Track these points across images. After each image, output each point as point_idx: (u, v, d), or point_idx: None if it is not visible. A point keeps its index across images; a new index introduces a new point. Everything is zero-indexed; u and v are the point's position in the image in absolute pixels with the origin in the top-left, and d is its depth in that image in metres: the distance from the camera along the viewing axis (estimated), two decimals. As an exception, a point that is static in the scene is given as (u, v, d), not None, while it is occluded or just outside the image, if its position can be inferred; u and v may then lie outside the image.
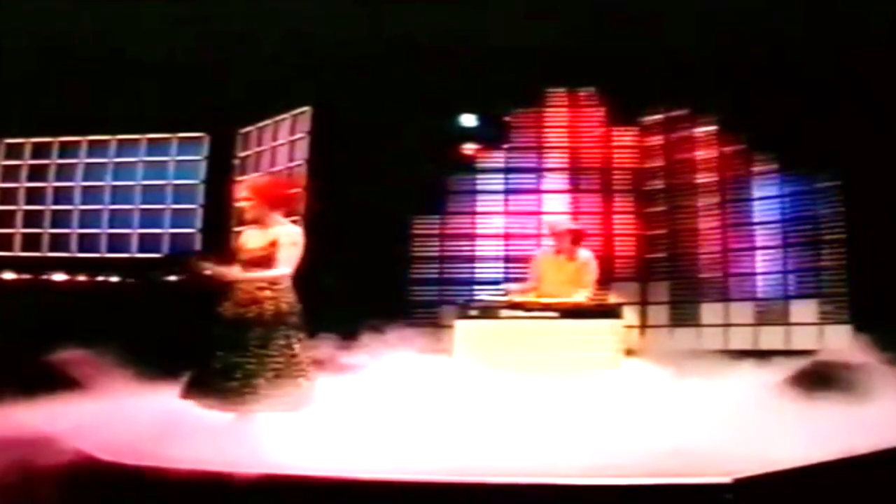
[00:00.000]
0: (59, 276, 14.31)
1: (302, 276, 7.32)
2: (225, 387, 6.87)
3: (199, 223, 14.71)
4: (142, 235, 14.88)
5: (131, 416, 6.99)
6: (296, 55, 12.98)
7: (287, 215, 7.48)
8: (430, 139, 13.60)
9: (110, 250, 14.87)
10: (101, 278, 14.31)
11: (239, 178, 14.72)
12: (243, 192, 7.53)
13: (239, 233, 7.70)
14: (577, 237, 10.26)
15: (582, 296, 9.71)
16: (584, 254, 10.17)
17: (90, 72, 13.55)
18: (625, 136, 14.22)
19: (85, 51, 13.18)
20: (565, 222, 11.06)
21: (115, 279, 14.29)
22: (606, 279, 13.23)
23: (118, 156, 15.11)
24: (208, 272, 7.33)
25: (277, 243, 7.19)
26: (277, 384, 6.95)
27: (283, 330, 7.12)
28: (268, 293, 7.16)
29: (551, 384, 8.06)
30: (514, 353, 8.77)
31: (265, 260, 7.22)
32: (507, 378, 8.17)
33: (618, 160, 14.21)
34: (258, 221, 7.39)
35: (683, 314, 13.38)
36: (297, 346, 7.14)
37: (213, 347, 7.05)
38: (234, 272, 7.31)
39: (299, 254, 7.24)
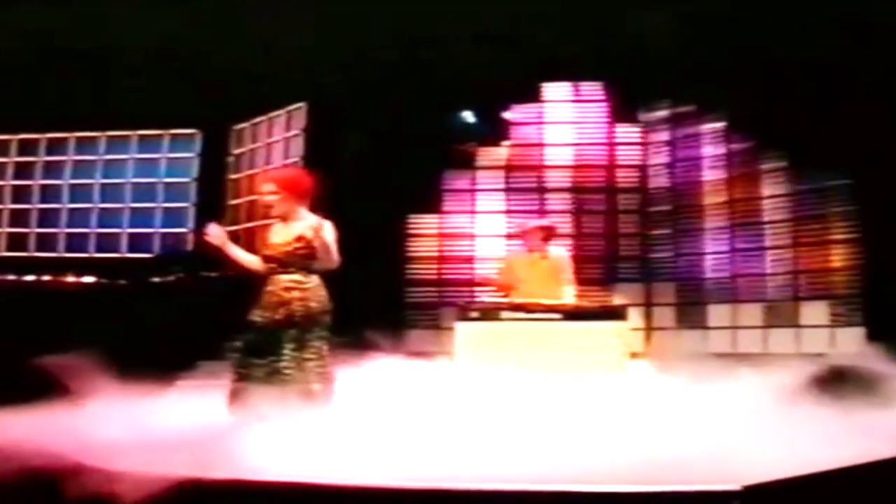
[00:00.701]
0: (45, 277, 14.28)
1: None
2: (269, 394, 6.85)
3: (191, 222, 14.70)
4: (132, 235, 14.87)
5: (122, 422, 6.97)
6: (290, 50, 12.95)
7: (310, 209, 7.47)
8: (428, 135, 13.55)
9: (99, 250, 14.84)
10: (89, 279, 14.29)
11: (233, 176, 14.74)
12: (269, 185, 7.52)
13: (261, 228, 7.70)
14: (547, 235, 10.28)
15: (569, 294, 9.75)
16: (557, 251, 10.20)
17: (79, 66, 13.54)
18: (629, 133, 14.24)
19: (73, 45, 13.16)
20: (534, 220, 11.05)
21: (104, 280, 14.27)
22: (611, 280, 13.32)
23: (108, 153, 15.07)
24: (214, 240, 7.37)
25: (305, 238, 7.18)
26: (320, 390, 6.98)
27: (317, 331, 7.12)
28: (296, 293, 7.17)
29: (554, 387, 8.02)
30: (516, 356, 8.74)
31: (289, 257, 7.21)
32: (509, 381, 8.15)
33: (622, 157, 14.22)
34: (284, 216, 7.37)
35: (690, 316, 13.36)
36: (325, 349, 7.15)
37: (248, 356, 7.06)
38: (238, 251, 7.38)
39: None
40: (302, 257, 7.25)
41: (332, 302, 7.40)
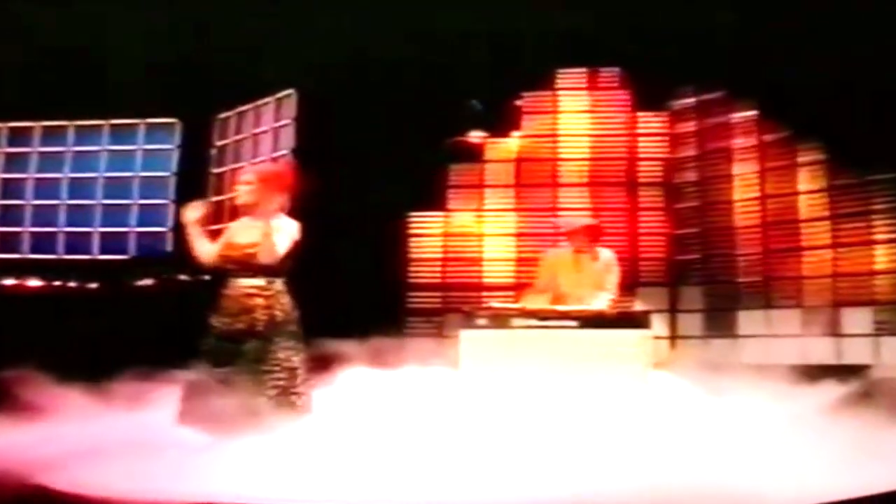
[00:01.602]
0: (7, 281, 14.23)
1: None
2: (224, 408, 6.79)
3: (170, 221, 14.63)
4: (104, 234, 14.83)
5: (90, 440, 6.91)
6: (281, 33, 12.91)
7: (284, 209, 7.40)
8: (432, 125, 13.48)
9: (68, 251, 14.81)
10: (57, 283, 14.24)
11: (217, 170, 14.69)
12: (247, 175, 7.48)
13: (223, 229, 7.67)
14: (595, 234, 10.21)
15: (604, 300, 9.65)
16: (607, 253, 10.11)
17: (45, 49, 13.48)
18: (652, 122, 14.18)
19: (39, 25, 13.12)
20: (582, 219, 10.97)
21: (73, 284, 14.21)
22: (632, 284, 13.22)
23: (77, 144, 15.06)
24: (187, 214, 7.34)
25: (269, 236, 7.11)
26: (281, 403, 6.90)
27: (281, 341, 7.06)
28: (259, 300, 7.14)
29: (569, 402, 7.97)
30: (527, 367, 8.67)
31: (251, 259, 7.15)
32: (518, 395, 8.10)
33: (644, 149, 14.17)
34: (251, 212, 7.31)
35: (719, 323, 13.28)
36: (296, 360, 7.08)
37: (206, 364, 7.00)
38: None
39: (290, 246, 7.17)
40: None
41: (298, 309, 7.34)
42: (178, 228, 7.71)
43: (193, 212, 7.44)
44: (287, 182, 7.45)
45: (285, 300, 7.20)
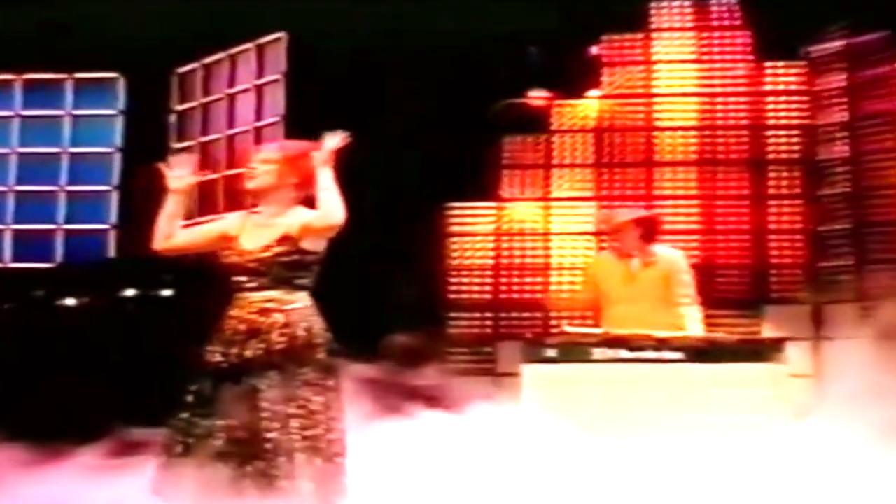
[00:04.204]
0: None
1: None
2: (234, 473, 6.65)
3: (113, 214, 14.58)
4: (19, 234, 14.82)
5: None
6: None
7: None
8: (476, 83, 13.40)
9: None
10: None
11: (177, 144, 14.61)
12: (268, 153, 7.40)
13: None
14: (649, 230, 10.11)
15: (696, 320, 9.56)
16: (667, 253, 10.04)
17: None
18: (785, 76, 14.08)
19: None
20: (627, 211, 10.87)
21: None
22: (758, 299, 13.08)
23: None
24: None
25: (291, 239, 6.95)
26: (314, 461, 6.77)
27: (309, 374, 6.90)
28: (277, 317, 6.94)
29: (677, 464, 7.85)
30: (615, 417, 8.59)
31: (268, 266, 7.00)
32: (606, 457, 7.96)
33: (774, 113, 14.05)
34: (260, 201, 7.19)
35: (884, 354, 13.10)
36: (318, 400, 6.91)
37: (199, 413, 6.85)
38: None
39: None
40: (287, 267, 7.05)
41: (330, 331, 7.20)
42: (125, 221, 7.54)
43: (180, 177, 7.28)
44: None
45: (313, 318, 7.03)
